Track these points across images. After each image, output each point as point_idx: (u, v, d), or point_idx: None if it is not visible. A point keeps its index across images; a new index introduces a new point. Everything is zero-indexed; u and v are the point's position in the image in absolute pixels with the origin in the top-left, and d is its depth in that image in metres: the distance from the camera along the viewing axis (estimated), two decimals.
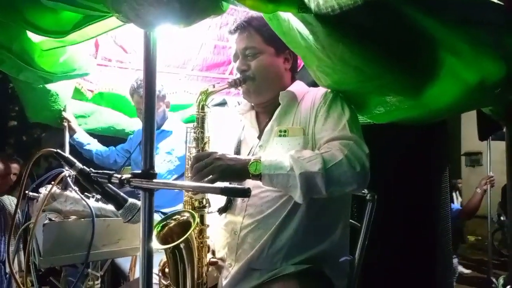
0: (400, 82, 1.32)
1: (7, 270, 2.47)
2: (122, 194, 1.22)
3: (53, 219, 1.56)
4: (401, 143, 2.06)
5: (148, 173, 1.07)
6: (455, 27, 1.12)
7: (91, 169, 1.15)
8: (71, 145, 3.02)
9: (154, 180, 1.05)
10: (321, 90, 1.53)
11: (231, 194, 1.21)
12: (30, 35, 1.74)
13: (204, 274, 1.43)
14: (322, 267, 1.41)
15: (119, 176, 1.09)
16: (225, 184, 1.43)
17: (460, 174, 9.13)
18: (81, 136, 3.04)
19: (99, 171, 1.15)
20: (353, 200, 1.57)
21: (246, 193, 0.89)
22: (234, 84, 1.55)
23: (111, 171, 2.79)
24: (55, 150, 1.14)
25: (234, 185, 1.47)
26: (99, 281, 1.62)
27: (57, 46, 1.79)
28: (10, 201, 2.97)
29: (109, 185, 1.19)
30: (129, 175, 1.07)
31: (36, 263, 1.38)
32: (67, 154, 2.86)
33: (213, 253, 1.54)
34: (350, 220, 1.57)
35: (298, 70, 1.79)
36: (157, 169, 2.69)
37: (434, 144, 2.28)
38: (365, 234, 1.47)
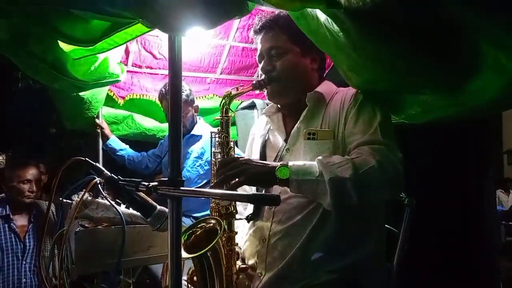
0: (437, 78, 1.23)
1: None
2: (150, 201, 1.20)
3: (86, 225, 1.57)
4: (440, 144, 1.95)
5: (175, 180, 1.05)
6: (497, 17, 1.02)
7: (119, 176, 1.14)
8: (104, 151, 3.08)
9: (181, 188, 1.03)
10: (351, 91, 1.46)
11: (259, 202, 1.17)
12: (62, 44, 1.78)
13: (233, 283, 1.39)
14: (356, 276, 1.34)
15: (146, 183, 1.08)
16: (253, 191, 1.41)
17: (502, 172, 8.69)
18: (114, 142, 3.10)
19: (126, 179, 1.14)
20: (389, 204, 1.49)
21: (275, 201, 0.85)
22: (259, 85, 1.51)
23: (143, 176, 2.81)
24: (84, 158, 1.14)
25: (263, 192, 1.44)
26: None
27: (87, 54, 1.82)
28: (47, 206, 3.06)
29: (138, 193, 1.18)
30: (156, 183, 1.06)
31: (69, 270, 1.40)
32: (100, 160, 2.95)
33: (243, 260, 1.50)
34: (387, 226, 1.49)
35: (327, 71, 1.72)
36: (187, 174, 2.71)
37: (475, 143, 2.15)
38: (403, 241, 1.38)
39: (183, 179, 2.79)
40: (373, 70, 1.27)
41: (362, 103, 1.39)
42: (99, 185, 1.53)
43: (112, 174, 1.15)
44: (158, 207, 1.21)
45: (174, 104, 1.06)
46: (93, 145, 3.13)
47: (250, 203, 0.86)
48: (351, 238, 1.35)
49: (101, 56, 2.09)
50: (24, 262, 2.75)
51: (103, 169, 1.15)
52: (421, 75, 1.22)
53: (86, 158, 1.14)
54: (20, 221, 2.84)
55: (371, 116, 1.35)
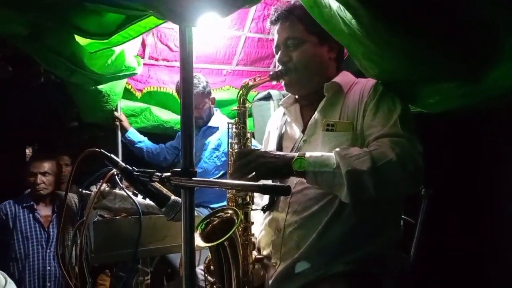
0: (455, 66, 1.19)
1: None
2: (164, 191, 1.22)
3: (105, 216, 1.61)
4: (457, 134, 1.89)
5: (188, 171, 1.05)
6: None
7: (133, 167, 1.16)
8: (123, 144, 3.13)
9: (194, 179, 1.03)
10: (370, 82, 1.43)
11: (270, 193, 1.17)
12: (78, 38, 1.80)
13: (249, 272, 1.40)
14: (372, 267, 1.32)
15: (159, 174, 1.09)
16: (266, 182, 1.41)
17: None
18: (133, 135, 3.15)
19: (141, 169, 1.16)
20: (406, 195, 1.46)
21: (286, 191, 0.85)
22: (276, 76, 1.50)
23: (161, 168, 2.85)
24: (99, 150, 1.16)
25: (275, 182, 1.43)
26: (149, 277, 1.65)
27: (103, 47, 1.84)
28: (70, 197, 3.15)
29: (153, 183, 1.19)
30: (169, 174, 1.07)
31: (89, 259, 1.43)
32: (119, 152, 2.99)
33: (259, 250, 1.51)
34: (404, 217, 1.47)
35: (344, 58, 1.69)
36: (204, 165, 2.73)
37: (495, 134, 2.08)
38: (420, 232, 1.36)
39: (200, 170, 2.82)
40: (389, 59, 1.24)
41: (381, 95, 1.36)
42: (116, 176, 1.55)
43: (127, 165, 1.16)
44: (172, 197, 1.22)
45: (186, 95, 1.06)
46: (113, 137, 3.18)
47: (261, 193, 0.86)
48: (367, 229, 1.34)
49: (117, 50, 2.11)
50: (48, 251, 2.85)
51: (118, 160, 1.17)
52: (439, 63, 1.18)
53: (101, 150, 1.16)
54: (44, 211, 2.94)
55: (391, 108, 1.32)
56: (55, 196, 3.01)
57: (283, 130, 1.60)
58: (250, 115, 3.10)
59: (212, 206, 2.71)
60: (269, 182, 1.47)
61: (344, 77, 1.50)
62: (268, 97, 2.92)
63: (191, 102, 1.08)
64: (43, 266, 2.81)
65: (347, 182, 1.17)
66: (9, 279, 1.58)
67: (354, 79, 1.51)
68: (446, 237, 1.83)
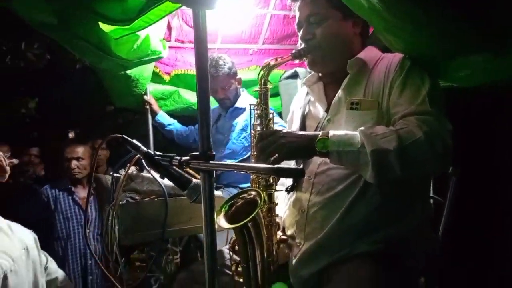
0: (485, 38, 1.11)
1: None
2: (186, 175, 1.24)
3: (136, 198, 1.67)
4: (488, 110, 1.78)
5: (206, 155, 1.06)
6: None
7: (154, 152, 1.18)
8: (154, 127, 3.20)
9: (211, 162, 1.04)
10: (397, 57, 1.36)
11: (284, 175, 1.16)
12: (102, 26, 1.83)
13: (274, 252, 1.42)
14: (398, 248, 1.30)
15: (179, 158, 1.11)
16: (289, 163, 1.40)
17: None
18: (162, 118, 3.20)
19: (162, 153, 1.18)
20: None
21: (299, 174, 0.84)
22: (298, 55, 1.46)
23: (191, 149, 2.90)
24: (121, 135, 1.19)
25: (299, 163, 1.42)
26: (178, 256, 1.71)
27: (126, 33, 1.87)
28: (107, 179, 3.28)
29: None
30: (188, 157, 1.08)
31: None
32: (151, 135, 3.06)
33: (283, 230, 1.52)
34: (432, 195, 1.42)
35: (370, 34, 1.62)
36: (233, 146, 2.76)
37: None
38: (449, 211, 1.31)
39: (229, 151, 2.85)
40: (412, 32, 1.17)
41: (409, 71, 1.29)
42: (143, 160, 1.59)
43: (148, 150, 1.18)
44: (194, 180, 1.24)
45: (201, 79, 1.06)
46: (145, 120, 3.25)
47: (274, 176, 0.86)
48: (393, 209, 1.30)
49: (142, 34, 2.13)
50: (88, 231, 3.00)
51: (140, 145, 1.20)
52: (466, 34, 1.11)
53: (123, 135, 1.19)
54: (82, 193, 3.09)
55: (419, 85, 1.26)
56: (93, 178, 3.14)
57: (307, 110, 1.57)
58: (278, 94, 3.08)
59: (241, 186, 2.73)
60: (292, 163, 1.47)
61: (369, 53, 1.45)
62: (295, 75, 2.88)
63: (206, 86, 1.08)
64: (84, 245, 2.97)
65: (372, 162, 1.14)
66: (50, 258, 1.68)
67: (380, 54, 1.45)
68: (476, 217, 1.76)
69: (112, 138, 1.20)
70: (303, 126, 1.52)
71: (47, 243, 2.91)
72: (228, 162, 2.79)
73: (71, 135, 6.27)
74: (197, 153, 1.08)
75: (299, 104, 1.64)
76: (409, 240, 1.31)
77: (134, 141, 1.20)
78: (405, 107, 1.24)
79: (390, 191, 1.27)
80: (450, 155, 1.17)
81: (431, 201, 1.49)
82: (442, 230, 1.34)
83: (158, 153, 1.20)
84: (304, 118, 1.55)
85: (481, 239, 1.82)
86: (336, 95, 1.42)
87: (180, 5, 1.58)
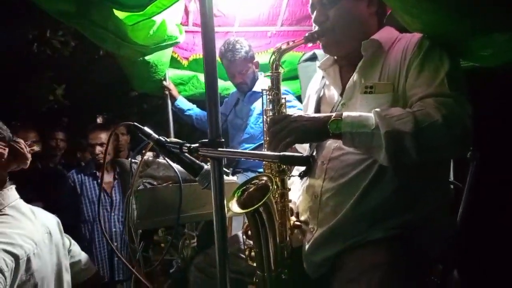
0: (509, 15, 1.05)
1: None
2: (197, 161, 1.25)
3: (153, 183, 1.70)
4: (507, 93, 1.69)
5: (215, 142, 1.06)
6: None
7: (165, 139, 1.19)
8: (173, 112, 3.23)
9: (220, 149, 1.04)
10: (415, 37, 1.30)
11: (290, 163, 1.15)
12: (117, 13, 1.84)
13: (287, 238, 1.42)
14: (415, 234, 1.27)
15: (188, 145, 1.11)
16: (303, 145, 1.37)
17: None
18: (182, 103, 3.23)
19: (173, 140, 1.19)
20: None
21: (306, 162, 0.83)
22: (312, 38, 1.43)
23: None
24: (132, 123, 1.21)
25: (314, 147, 1.40)
26: (195, 240, 1.74)
27: (140, 19, 1.87)
28: (128, 164, 3.36)
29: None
30: (197, 144, 1.09)
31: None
32: (170, 120, 3.09)
33: (297, 215, 1.51)
34: (452, 180, 1.38)
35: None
36: (251, 130, 2.74)
37: None
38: (468, 197, 1.27)
39: (247, 135, 2.85)
40: (429, 11, 1.12)
41: (427, 51, 1.24)
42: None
43: (160, 137, 1.20)
44: (205, 166, 1.25)
45: (209, 65, 1.06)
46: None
47: (281, 164, 0.85)
48: (410, 194, 1.27)
49: (158, 20, 2.13)
50: (113, 214, 3.10)
51: (151, 132, 1.21)
52: (487, 12, 1.05)
53: (135, 123, 1.21)
54: (106, 177, 3.18)
55: (438, 65, 1.21)
56: (116, 163, 3.22)
57: (322, 94, 1.54)
58: (297, 77, 3.03)
59: (259, 170, 2.74)
60: (307, 146, 1.44)
61: (385, 33, 1.39)
62: (314, 58, 2.81)
63: (214, 73, 1.07)
64: (109, 228, 3.08)
65: (386, 144, 1.10)
66: (73, 241, 1.74)
67: (397, 34, 1.39)
68: (496, 203, 1.70)
69: (123, 125, 1.21)
70: (318, 111, 1.50)
71: (75, 225, 3.04)
72: (247, 146, 2.80)
73: (99, 120, 6.45)
74: (206, 140, 1.08)
75: (315, 88, 1.61)
76: (426, 226, 1.28)
77: (146, 128, 1.22)
78: (423, 89, 1.19)
79: (406, 176, 1.24)
80: (469, 139, 1.13)
81: (451, 186, 1.45)
82: (461, 216, 1.30)
83: (170, 139, 1.21)
84: (319, 103, 1.52)
85: (500, 225, 1.76)
86: (351, 79, 1.38)
87: None
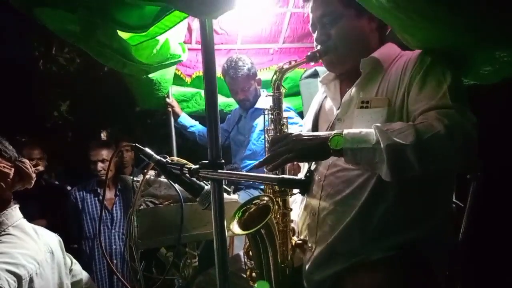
0: (508, 31, 1.05)
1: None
2: (198, 182, 1.25)
3: (155, 202, 1.69)
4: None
5: (215, 163, 1.07)
6: None
7: (167, 160, 1.20)
8: (176, 128, 3.24)
9: (220, 171, 1.05)
10: (416, 53, 1.30)
11: (288, 186, 1.14)
12: (120, 33, 1.87)
13: (288, 258, 1.41)
14: (415, 255, 1.25)
15: (189, 166, 1.12)
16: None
17: None
18: (185, 119, 3.24)
19: (174, 161, 1.19)
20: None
21: (305, 185, 0.82)
22: (313, 57, 1.44)
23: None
24: (134, 144, 1.22)
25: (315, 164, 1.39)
26: (196, 259, 1.73)
27: (143, 40, 1.89)
28: (131, 182, 3.37)
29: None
30: (198, 166, 1.09)
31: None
32: (173, 137, 3.09)
33: (299, 234, 1.50)
34: (453, 200, 1.36)
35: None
36: (253, 147, 2.75)
37: None
38: (470, 217, 1.26)
39: (249, 152, 2.85)
40: (428, 30, 1.12)
41: (429, 66, 1.23)
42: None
43: (160, 158, 1.20)
44: (206, 187, 1.25)
45: (209, 85, 1.06)
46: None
47: (279, 186, 0.84)
48: (412, 213, 1.25)
49: (161, 39, 2.16)
50: (113, 231, 3.09)
51: (152, 153, 1.22)
52: (486, 29, 1.05)
53: (136, 144, 1.21)
54: (108, 194, 3.17)
55: (440, 80, 1.19)
56: (118, 179, 3.23)
57: (320, 109, 1.54)
58: (299, 94, 3.04)
59: (261, 187, 2.73)
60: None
61: (385, 50, 1.39)
62: (315, 74, 2.83)
63: (215, 93, 1.08)
64: (109, 244, 3.07)
65: (387, 157, 1.08)
66: (74, 260, 1.74)
67: (398, 51, 1.39)
68: (497, 224, 1.68)
69: (125, 146, 1.22)
70: (315, 126, 1.50)
71: (76, 242, 3.03)
72: (249, 162, 2.80)
73: (103, 135, 6.49)
74: (207, 161, 1.08)
75: (315, 103, 1.62)
76: (428, 246, 1.26)
77: (147, 149, 1.22)
78: (425, 103, 1.18)
79: (408, 193, 1.23)
80: (474, 149, 1.10)
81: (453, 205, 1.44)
82: (462, 236, 1.29)
83: (171, 159, 1.22)
84: (317, 118, 1.52)
85: (502, 245, 1.74)
86: (347, 94, 1.38)
87: (187, 14, 1.59)
